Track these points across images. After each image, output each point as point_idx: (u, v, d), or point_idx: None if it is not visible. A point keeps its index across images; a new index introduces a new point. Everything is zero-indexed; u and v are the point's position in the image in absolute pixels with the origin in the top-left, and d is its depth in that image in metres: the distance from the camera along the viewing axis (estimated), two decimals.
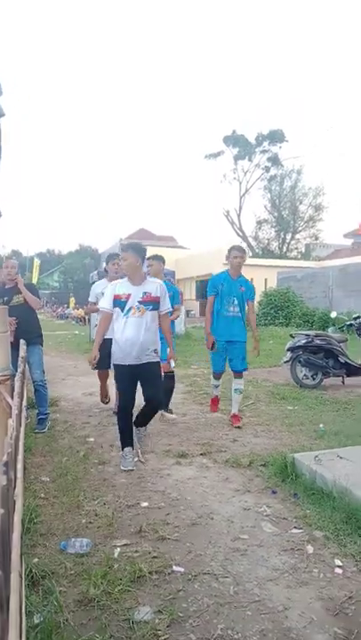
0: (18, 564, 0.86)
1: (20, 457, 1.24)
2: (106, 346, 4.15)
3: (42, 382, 4.79)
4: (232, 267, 4.92)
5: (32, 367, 4.72)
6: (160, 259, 4.98)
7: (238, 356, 4.86)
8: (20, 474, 1.18)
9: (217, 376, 5.16)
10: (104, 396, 5.64)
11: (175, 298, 4.80)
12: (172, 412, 5.18)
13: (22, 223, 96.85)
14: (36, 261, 13.42)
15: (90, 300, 5.20)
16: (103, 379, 5.46)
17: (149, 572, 2.25)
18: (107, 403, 5.56)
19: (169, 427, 4.81)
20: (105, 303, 3.77)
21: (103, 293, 4.61)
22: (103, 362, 4.47)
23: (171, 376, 4.96)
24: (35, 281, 10.21)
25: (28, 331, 4.58)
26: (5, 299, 4.60)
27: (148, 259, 4.66)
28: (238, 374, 4.93)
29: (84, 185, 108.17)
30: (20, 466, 1.18)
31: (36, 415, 4.80)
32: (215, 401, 5.41)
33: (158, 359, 3.81)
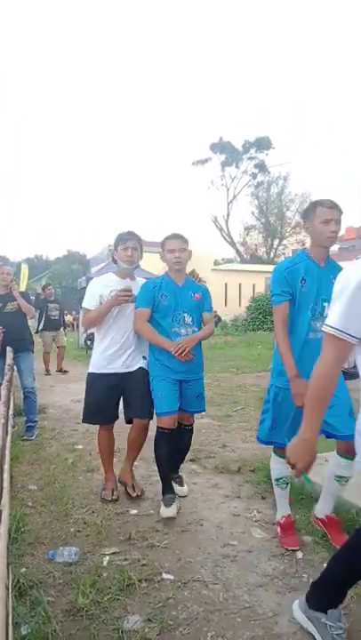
0: (4, 576, 0.85)
1: (6, 466, 1.23)
2: (105, 379, 3.05)
3: (32, 389, 4.78)
4: (320, 241, 2.43)
5: (23, 374, 4.73)
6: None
7: (344, 408, 2.35)
8: (6, 483, 1.17)
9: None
10: (113, 485, 3.27)
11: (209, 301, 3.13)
12: (182, 482, 3.32)
13: (9, 228, 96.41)
14: (24, 267, 13.32)
15: (86, 305, 3.09)
16: (105, 443, 3.28)
17: (139, 580, 2.23)
18: (116, 499, 3.15)
19: None
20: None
21: (121, 293, 2.94)
22: (100, 410, 3.13)
23: (191, 430, 3.23)
24: (24, 288, 10.12)
25: (20, 338, 4.67)
26: None
27: (169, 239, 2.98)
28: (346, 444, 2.31)
29: (73, 190, 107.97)
30: (6, 475, 1.17)
31: (25, 422, 4.76)
32: (289, 526, 2.64)
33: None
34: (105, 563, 2.40)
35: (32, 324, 6.11)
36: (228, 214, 36.98)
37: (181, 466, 3.47)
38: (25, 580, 2.19)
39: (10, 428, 3.25)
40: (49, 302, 9.23)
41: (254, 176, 36.20)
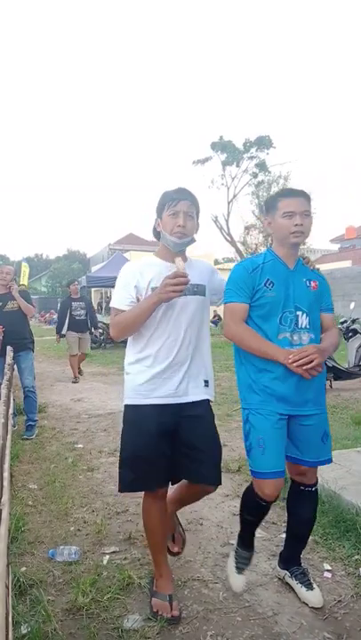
0: (4, 575, 0.85)
1: (5, 465, 1.23)
2: (151, 414, 1.96)
3: (32, 388, 4.80)
4: None
5: (23, 373, 4.74)
6: None
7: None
8: (6, 482, 1.17)
9: None
10: (170, 587, 2.07)
11: None
12: (310, 582, 2.12)
13: (9, 227, 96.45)
14: (25, 266, 13.31)
15: (115, 304, 2.04)
16: (156, 519, 2.07)
17: (139, 580, 2.23)
18: (178, 615, 1.98)
19: None
20: None
21: (172, 280, 1.85)
22: (147, 465, 1.96)
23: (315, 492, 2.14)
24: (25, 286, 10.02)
25: (20, 337, 4.70)
26: None
27: (286, 197, 1.97)
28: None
29: (73, 189, 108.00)
30: (6, 474, 1.17)
31: (25, 421, 4.77)
32: None
33: None
34: (105, 562, 2.41)
35: (33, 323, 6.09)
36: (229, 213, 36.92)
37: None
38: (25, 578, 2.19)
39: (10, 427, 3.25)
40: (73, 301, 8.13)
41: (255, 175, 36.10)
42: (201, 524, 2.83)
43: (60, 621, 1.97)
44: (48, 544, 2.59)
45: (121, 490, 2.04)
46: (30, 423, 4.73)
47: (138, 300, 2.00)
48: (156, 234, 2.12)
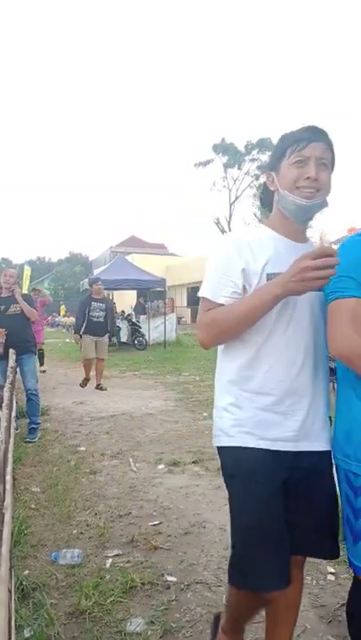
0: (7, 578, 0.85)
1: (8, 469, 1.23)
2: (266, 460, 1.34)
3: (35, 391, 4.81)
4: None
5: (26, 376, 4.75)
6: None
7: None
8: (8, 485, 1.17)
9: None
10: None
11: None
12: None
13: (11, 230, 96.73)
14: (27, 269, 13.33)
15: (209, 294, 1.37)
16: (250, 608, 1.53)
17: (142, 583, 2.23)
18: None
19: (160, 435, 4.80)
20: None
21: (316, 262, 1.17)
22: (268, 542, 1.33)
23: None
24: (26, 290, 10.01)
25: (22, 340, 4.71)
26: (2, 307, 4.64)
27: None
28: None
29: (75, 192, 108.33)
30: (9, 477, 1.17)
31: (27, 424, 4.78)
32: None
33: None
34: (108, 565, 2.40)
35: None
36: (231, 215, 37.02)
37: (184, 467, 3.02)
38: (28, 582, 2.19)
39: (13, 431, 3.25)
40: (94, 300, 7.44)
41: (257, 177, 36.21)
42: (204, 527, 2.82)
43: (63, 625, 1.96)
44: (51, 547, 2.58)
45: (236, 583, 1.43)
46: (33, 426, 4.73)
47: (244, 290, 1.33)
48: (267, 198, 1.48)
